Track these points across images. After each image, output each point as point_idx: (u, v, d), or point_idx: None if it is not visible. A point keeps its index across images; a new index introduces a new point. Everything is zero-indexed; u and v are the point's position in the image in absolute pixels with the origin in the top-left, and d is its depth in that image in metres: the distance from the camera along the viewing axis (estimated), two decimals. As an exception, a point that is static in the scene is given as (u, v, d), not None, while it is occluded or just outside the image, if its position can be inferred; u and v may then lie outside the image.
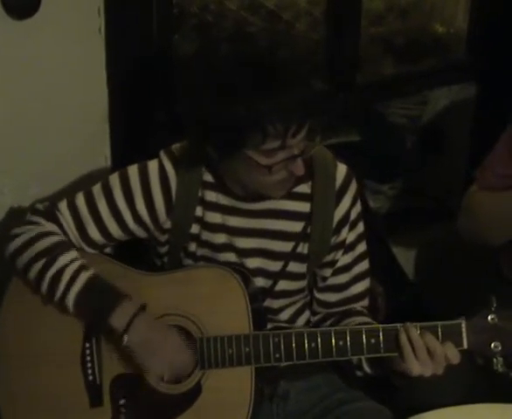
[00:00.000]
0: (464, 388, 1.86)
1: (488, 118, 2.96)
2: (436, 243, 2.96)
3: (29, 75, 1.96)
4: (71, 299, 1.69)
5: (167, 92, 2.18)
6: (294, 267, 1.82)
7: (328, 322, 1.88)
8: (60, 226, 1.78)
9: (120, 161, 2.11)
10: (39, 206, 1.82)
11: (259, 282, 1.81)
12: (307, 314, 1.91)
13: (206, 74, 1.62)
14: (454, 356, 1.63)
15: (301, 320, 1.89)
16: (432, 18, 3.02)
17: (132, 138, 2.17)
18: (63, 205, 1.79)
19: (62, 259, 1.71)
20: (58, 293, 1.70)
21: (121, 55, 2.08)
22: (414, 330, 1.63)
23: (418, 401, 1.84)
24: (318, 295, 1.89)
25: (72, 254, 1.74)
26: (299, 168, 1.64)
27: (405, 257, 2.63)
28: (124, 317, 1.66)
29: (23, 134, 2.00)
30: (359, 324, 1.78)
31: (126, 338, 1.66)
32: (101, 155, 2.16)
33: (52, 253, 1.72)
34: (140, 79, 2.14)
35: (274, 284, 1.82)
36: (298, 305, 1.88)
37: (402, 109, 3.02)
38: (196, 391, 1.72)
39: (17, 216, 1.98)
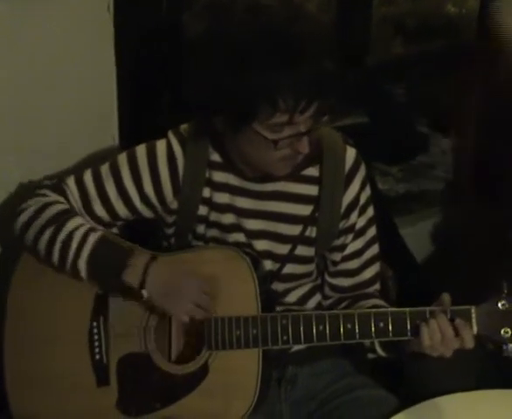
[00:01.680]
0: (474, 375, 1.85)
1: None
2: (443, 225, 2.95)
3: (37, 54, 1.95)
4: (83, 262, 1.69)
5: (176, 71, 2.17)
6: (302, 251, 1.82)
7: (341, 306, 1.88)
8: (67, 199, 1.79)
9: (127, 140, 2.11)
10: (47, 182, 1.84)
11: (268, 265, 1.80)
12: (317, 298, 1.91)
13: (217, 48, 1.60)
14: (469, 339, 1.62)
15: (311, 303, 1.89)
16: (443, -2, 3.01)
17: (140, 117, 2.17)
18: (70, 180, 1.80)
19: (71, 224, 1.72)
20: (70, 258, 1.70)
21: (129, 34, 2.07)
22: (442, 315, 1.63)
23: (427, 387, 1.83)
24: (329, 279, 1.89)
25: (80, 219, 1.75)
26: (303, 145, 1.63)
27: (414, 240, 2.62)
28: (137, 271, 1.66)
29: (29, 113, 1.99)
30: (371, 306, 1.78)
31: (145, 292, 1.66)
32: (109, 134, 2.15)
33: (60, 219, 1.73)
34: (148, 58, 2.13)
35: (282, 267, 1.81)
36: (305, 288, 1.88)
37: (411, 91, 3.01)
38: (203, 372, 1.72)
39: (24, 194, 1.98)
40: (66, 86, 2.02)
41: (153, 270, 1.67)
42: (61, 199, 1.78)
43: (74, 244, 1.70)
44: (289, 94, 1.54)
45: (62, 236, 1.71)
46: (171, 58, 2.17)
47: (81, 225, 1.73)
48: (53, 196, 1.78)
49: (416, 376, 1.88)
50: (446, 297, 1.67)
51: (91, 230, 1.72)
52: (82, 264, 1.70)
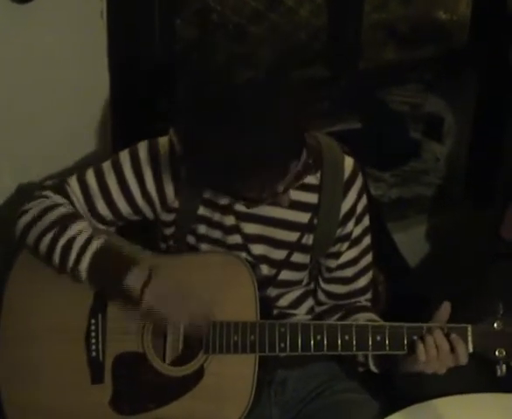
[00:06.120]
0: (465, 378, 1.86)
1: (490, 106, 2.96)
2: (436, 231, 2.96)
3: (30, 59, 1.95)
4: (83, 269, 1.69)
5: (169, 78, 2.18)
6: (298, 257, 1.83)
7: (334, 317, 1.88)
8: (69, 199, 1.78)
9: (121, 146, 2.10)
10: (48, 182, 1.83)
11: (264, 270, 1.81)
12: (309, 302, 1.91)
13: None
14: (463, 355, 1.64)
15: (303, 308, 1.89)
16: (435, 4, 3.01)
17: (133, 123, 2.16)
18: (72, 180, 1.80)
19: (72, 229, 1.71)
20: (70, 264, 1.70)
21: (122, 40, 2.07)
22: (438, 331, 1.64)
23: (418, 390, 1.84)
24: (324, 285, 1.90)
25: (83, 224, 1.74)
26: (284, 201, 1.68)
27: (406, 245, 2.63)
28: (141, 276, 1.66)
29: (22, 119, 1.99)
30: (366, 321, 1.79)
31: (145, 296, 1.66)
32: (102, 141, 2.14)
33: (62, 223, 1.72)
34: (142, 64, 2.13)
35: (278, 273, 1.82)
36: (297, 292, 1.88)
37: (404, 96, 3.02)
38: (198, 375, 1.72)
39: (17, 198, 1.99)
40: (60, 92, 2.02)
41: (155, 278, 1.66)
42: (63, 200, 1.77)
43: (74, 252, 1.69)
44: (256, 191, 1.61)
45: (63, 241, 1.70)
46: (165, 63, 2.18)
47: (82, 231, 1.72)
48: (55, 198, 1.78)
49: (406, 381, 1.89)
50: (444, 307, 1.67)
51: (92, 237, 1.71)
52: (83, 271, 1.70)
